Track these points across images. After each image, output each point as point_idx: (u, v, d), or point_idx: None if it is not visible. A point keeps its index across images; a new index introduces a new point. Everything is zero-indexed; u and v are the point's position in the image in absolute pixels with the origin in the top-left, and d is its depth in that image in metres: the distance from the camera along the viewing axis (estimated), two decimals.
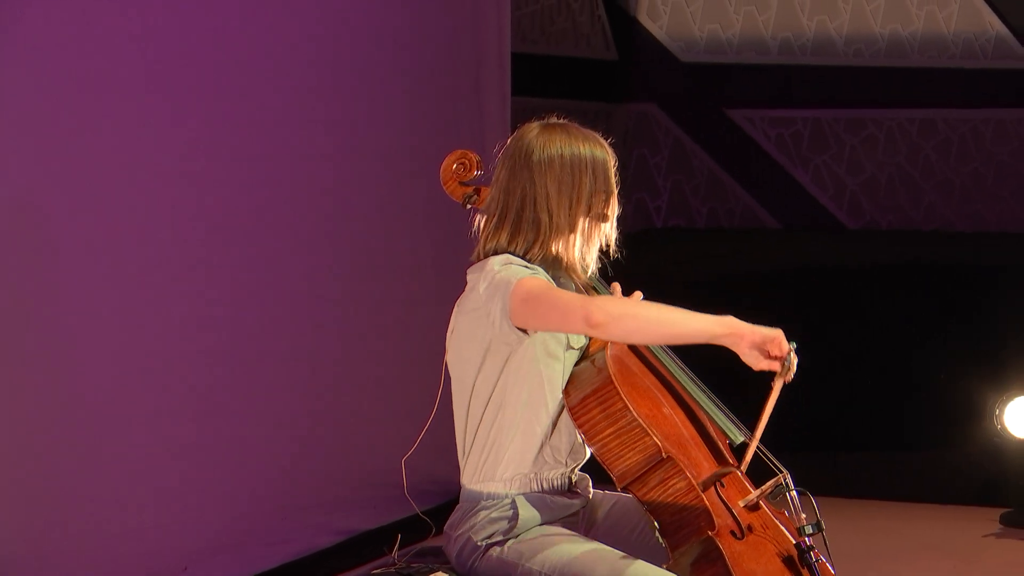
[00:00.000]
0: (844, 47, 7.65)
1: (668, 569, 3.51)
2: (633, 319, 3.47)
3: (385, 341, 5.88)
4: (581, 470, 3.75)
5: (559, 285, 3.64)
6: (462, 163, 3.91)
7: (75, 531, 4.56)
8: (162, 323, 4.89)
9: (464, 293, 3.67)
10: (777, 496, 3.64)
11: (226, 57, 5.13)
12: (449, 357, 3.70)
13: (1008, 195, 7.45)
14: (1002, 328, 6.71)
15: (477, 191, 3.90)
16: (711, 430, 3.76)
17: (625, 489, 3.58)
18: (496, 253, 3.62)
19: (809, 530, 3.58)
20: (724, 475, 3.66)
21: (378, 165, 5.84)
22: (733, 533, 3.54)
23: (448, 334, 3.70)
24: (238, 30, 5.19)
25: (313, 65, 5.53)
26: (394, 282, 5.94)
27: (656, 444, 3.54)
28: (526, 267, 3.58)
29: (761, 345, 3.54)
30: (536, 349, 3.58)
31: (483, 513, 3.63)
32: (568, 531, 3.65)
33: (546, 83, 7.54)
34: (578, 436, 3.63)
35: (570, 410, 3.59)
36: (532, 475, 3.64)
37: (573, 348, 3.63)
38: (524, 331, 3.54)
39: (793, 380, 3.63)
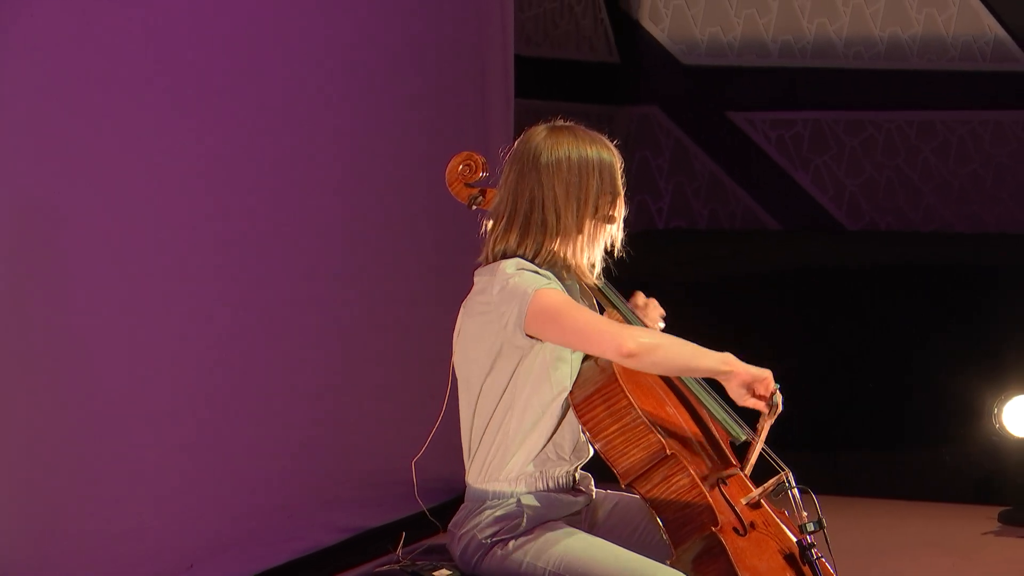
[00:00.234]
0: (844, 50, 7.65)
1: (671, 566, 3.52)
2: (662, 350, 3.53)
3: (390, 341, 5.88)
4: (585, 468, 3.75)
5: (566, 288, 3.64)
6: (468, 165, 3.91)
7: (81, 529, 4.56)
8: (168, 322, 4.89)
9: (471, 295, 3.67)
10: (779, 494, 3.64)
11: (233, 61, 5.13)
12: (456, 358, 3.70)
13: (1006, 196, 7.45)
14: (1000, 328, 6.71)
15: (482, 192, 3.90)
16: (713, 428, 3.77)
17: (629, 486, 3.58)
18: (505, 255, 3.62)
19: (810, 527, 3.58)
20: (727, 474, 3.66)
21: (383, 167, 5.84)
22: (736, 530, 3.55)
23: (455, 335, 3.70)
24: (246, 34, 5.20)
25: (320, 69, 5.53)
26: (400, 283, 5.94)
27: (659, 441, 3.54)
28: (538, 273, 3.57)
29: (749, 384, 3.58)
30: (547, 353, 3.59)
31: (488, 511, 3.63)
32: (572, 528, 3.65)
33: (549, 86, 7.54)
34: (582, 434, 3.63)
35: (575, 408, 3.59)
36: (537, 473, 3.65)
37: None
38: (532, 336, 3.55)
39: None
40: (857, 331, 7.04)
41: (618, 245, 3.72)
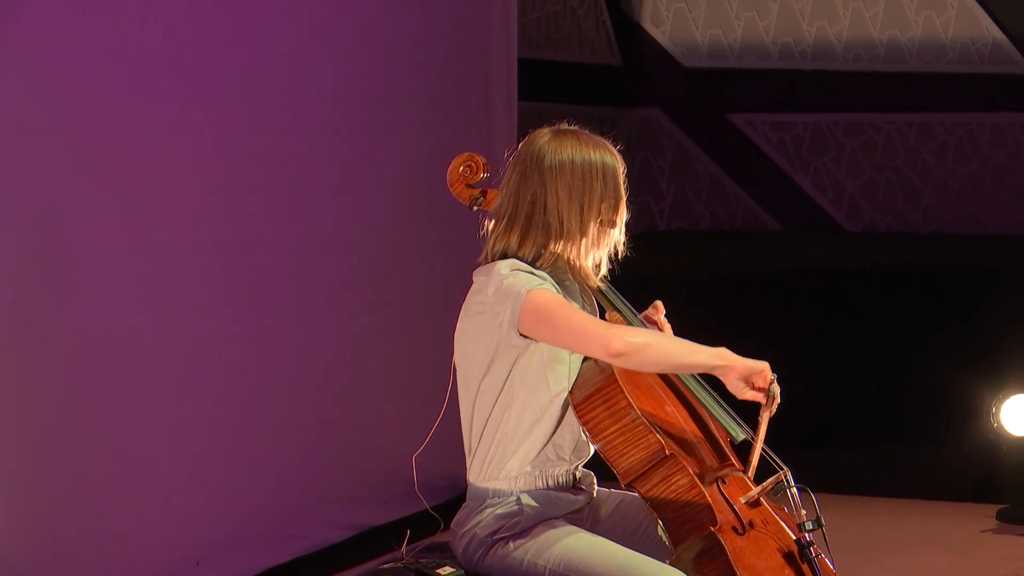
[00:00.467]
0: (844, 52, 7.65)
1: (671, 564, 3.51)
2: (650, 349, 3.52)
3: (394, 340, 5.88)
4: (585, 467, 3.75)
5: (565, 289, 3.63)
6: (468, 166, 3.91)
7: (88, 528, 4.56)
8: (172, 323, 4.89)
9: (470, 294, 3.67)
10: (778, 493, 3.64)
11: (237, 64, 5.13)
12: (456, 357, 3.70)
13: (1005, 198, 7.45)
14: (998, 328, 6.71)
15: (483, 193, 3.90)
16: (713, 428, 3.77)
17: (629, 486, 3.58)
18: (505, 255, 3.62)
19: (809, 526, 3.58)
20: (726, 473, 3.66)
21: (387, 168, 5.84)
22: (735, 529, 3.54)
23: (456, 335, 3.70)
24: (249, 37, 5.20)
25: (323, 71, 5.53)
26: (403, 283, 5.94)
27: (659, 441, 3.54)
28: (532, 274, 3.57)
29: (747, 377, 3.59)
30: (543, 352, 3.58)
31: (489, 510, 3.63)
32: (573, 527, 3.65)
33: (552, 88, 7.54)
34: (582, 434, 3.63)
35: (575, 408, 3.59)
36: (537, 472, 3.64)
37: None
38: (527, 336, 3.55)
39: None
40: (856, 331, 7.04)
41: (620, 248, 3.71)
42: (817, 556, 3.59)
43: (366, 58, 5.74)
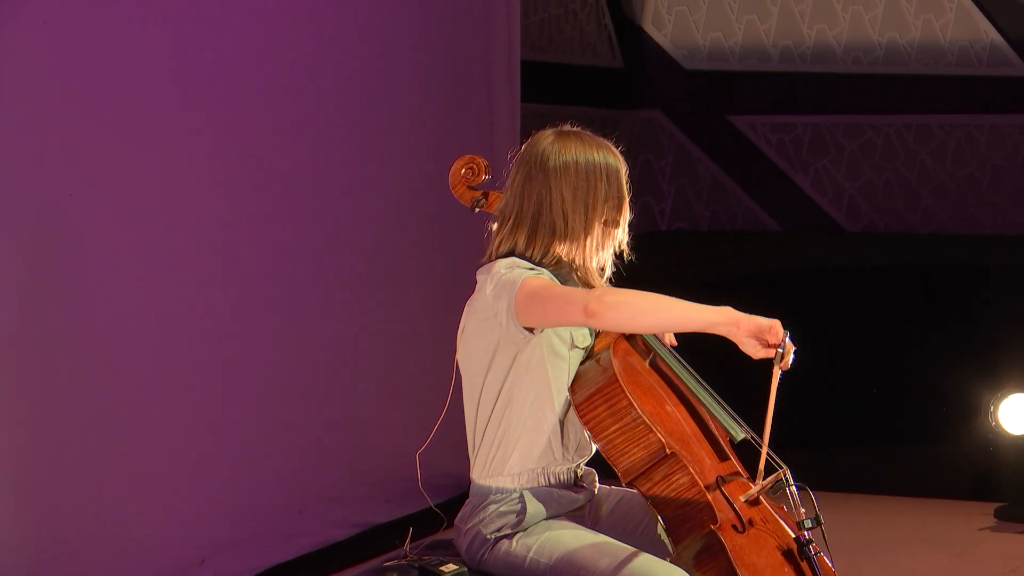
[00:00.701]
0: (843, 55, 7.65)
1: (671, 562, 3.52)
2: (627, 307, 3.43)
3: (397, 340, 5.89)
4: (587, 465, 3.75)
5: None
6: (470, 168, 3.91)
7: (95, 525, 4.56)
8: (178, 324, 4.90)
9: (473, 294, 3.67)
10: (777, 491, 3.64)
11: (242, 66, 5.13)
12: (459, 355, 3.70)
13: (1002, 199, 7.44)
14: (996, 328, 6.71)
15: (485, 195, 3.90)
16: (712, 427, 3.77)
17: (630, 484, 3.58)
18: (511, 255, 3.62)
19: (808, 524, 3.58)
20: (728, 475, 3.66)
21: (392, 170, 5.85)
22: (735, 527, 3.54)
23: (459, 333, 3.70)
24: (255, 40, 5.20)
25: (328, 75, 5.54)
26: (406, 283, 5.94)
27: (660, 440, 3.54)
28: (531, 268, 3.57)
29: (758, 334, 3.53)
30: (543, 349, 3.58)
31: (492, 507, 3.63)
32: (575, 524, 3.65)
33: (554, 90, 7.54)
34: (584, 433, 3.63)
35: (576, 407, 3.59)
36: (539, 470, 3.65)
37: (578, 347, 3.63)
38: (530, 331, 3.54)
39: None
40: (855, 330, 7.04)
41: (624, 249, 3.71)
42: (816, 554, 3.59)
43: (369, 61, 5.74)
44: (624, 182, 3.67)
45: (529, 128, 3.76)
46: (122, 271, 4.67)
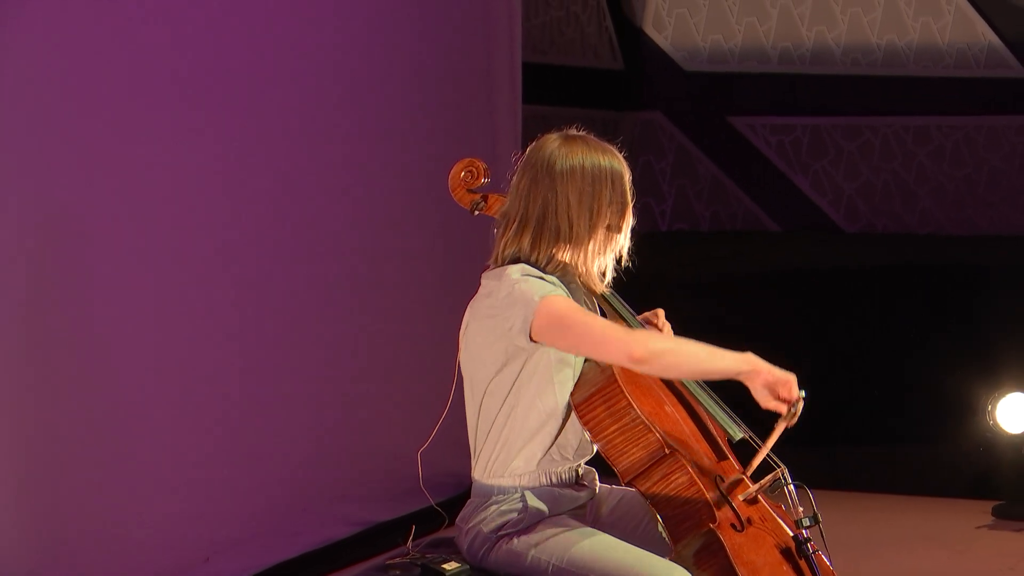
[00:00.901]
0: (842, 57, 7.65)
1: (672, 560, 3.52)
2: (673, 355, 3.50)
3: (399, 339, 5.89)
4: (588, 463, 3.76)
5: (572, 292, 3.63)
6: (470, 171, 3.91)
7: (101, 523, 4.57)
8: (185, 323, 4.90)
9: (478, 296, 3.66)
10: (775, 490, 3.64)
11: (244, 69, 5.14)
12: (462, 356, 3.71)
13: (999, 200, 7.44)
14: (994, 327, 6.71)
15: (485, 198, 3.90)
16: (711, 426, 3.77)
17: (629, 484, 3.59)
18: (517, 259, 3.61)
19: (806, 522, 3.58)
20: (725, 471, 3.67)
21: (393, 171, 5.85)
22: (733, 526, 3.55)
23: (461, 333, 3.70)
24: (258, 43, 5.20)
25: (330, 77, 5.54)
26: (408, 283, 5.94)
27: (659, 440, 3.55)
28: (543, 278, 3.56)
29: (772, 385, 3.53)
30: (550, 356, 3.58)
31: (493, 507, 3.63)
32: (576, 523, 3.65)
33: (555, 92, 7.54)
34: (585, 433, 3.64)
35: (576, 408, 3.59)
36: (541, 471, 3.65)
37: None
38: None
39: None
40: (854, 330, 7.04)
41: (625, 255, 3.71)
42: (814, 552, 3.60)
43: (371, 62, 5.74)
44: (628, 187, 3.67)
45: (530, 130, 3.77)
46: (122, 271, 4.68)
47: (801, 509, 3.60)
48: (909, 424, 6.87)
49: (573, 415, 3.61)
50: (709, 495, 3.53)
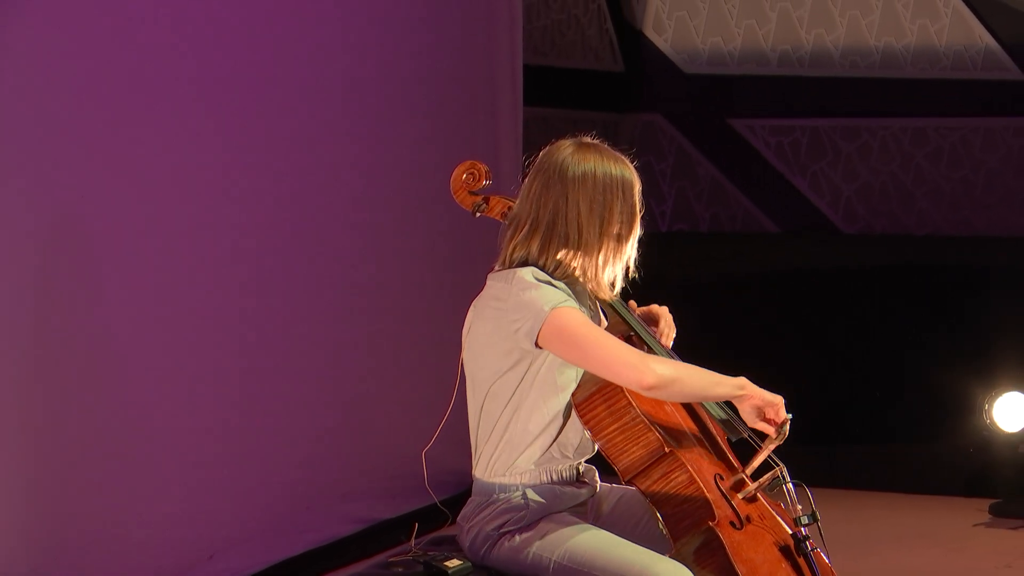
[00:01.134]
0: (840, 59, 7.65)
1: (671, 558, 3.53)
2: (680, 383, 3.55)
3: (402, 340, 5.89)
4: (588, 462, 3.76)
5: (577, 295, 3.63)
6: (471, 173, 3.92)
7: (105, 521, 4.57)
8: (191, 323, 4.90)
9: (483, 296, 3.66)
10: (774, 488, 3.65)
11: (248, 71, 5.14)
12: (465, 356, 3.71)
13: (996, 201, 7.44)
14: (990, 327, 6.72)
15: (486, 200, 3.91)
16: (710, 425, 3.78)
17: (629, 482, 3.59)
18: (526, 263, 3.61)
19: (805, 520, 3.59)
20: (725, 473, 3.67)
21: (395, 173, 5.85)
22: (732, 524, 3.55)
23: (464, 333, 3.70)
24: (261, 44, 5.20)
25: (332, 80, 5.54)
26: (410, 284, 5.94)
27: (658, 439, 3.55)
28: (553, 285, 3.56)
29: (761, 408, 3.59)
30: (552, 359, 3.58)
31: (495, 505, 3.64)
32: (577, 520, 3.66)
33: (556, 94, 7.53)
34: (585, 432, 3.64)
35: (576, 407, 3.60)
36: (542, 469, 3.65)
37: None
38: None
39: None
40: (853, 330, 7.05)
41: (631, 265, 3.71)
42: (813, 550, 3.60)
43: (373, 66, 5.74)
44: (638, 198, 3.67)
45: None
46: (124, 272, 4.67)
47: (800, 507, 3.61)
48: (907, 423, 6.87)
49: (574, 414, 3.62)
50: (708, 493, 3.53)
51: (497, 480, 3.65)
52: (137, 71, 4.65)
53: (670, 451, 3.55)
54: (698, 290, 7.16)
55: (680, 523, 3.53)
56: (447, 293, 5.84)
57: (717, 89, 7.91)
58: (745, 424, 3.69)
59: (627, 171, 3.65)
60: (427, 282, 5.98)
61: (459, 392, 3.76)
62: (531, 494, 3.63)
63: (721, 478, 3.63)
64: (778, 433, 3.61)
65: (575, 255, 3.60)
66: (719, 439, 3.76)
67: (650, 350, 3.70)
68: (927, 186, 7.53)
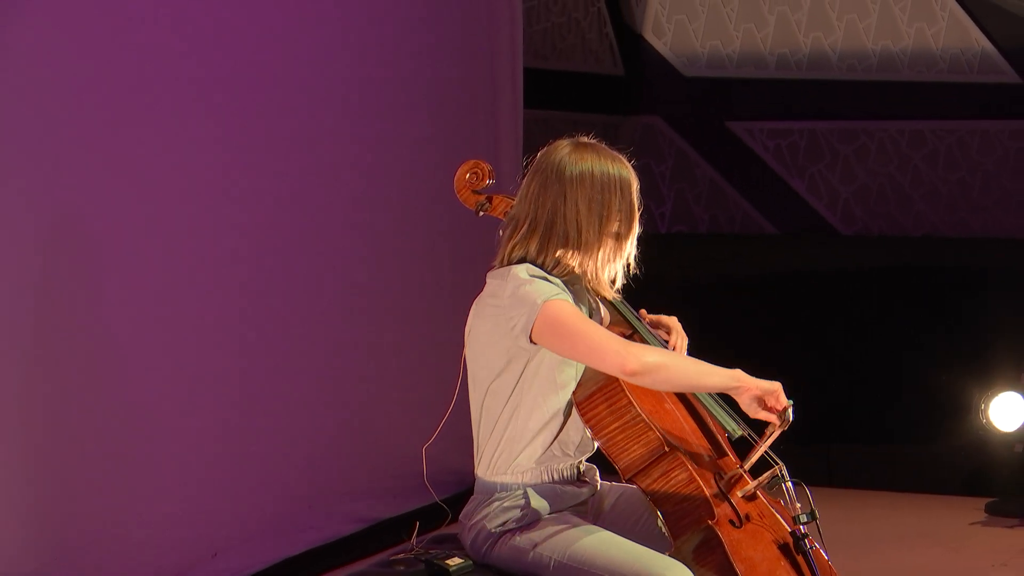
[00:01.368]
0: (838, 62, 7.64)
1: (671, 556, 3.51)
2: (665, 370, 3.51)
3: (404, 340, 5.88)
4: (589, 460, 3.75)
5: (575, 293, 3.62)
6: (475, 172, 3.91)
7: (108, 519, 4.56)
8: (194, 322, 4.89)
9: (482, 295, 3.65)
10: (773, 487, 3.64)
11: (250, 72, 5.13)
12: (466, 354, 3.69)
13: (992, 203, 7.43)
14: (987, 328, 6.71)
15: (489, 199, 3.90)
16: (711, 424, 3.77)
17: (629, 481, 3.58)
18: (523, 261, 3.59)
19: (804, 519, 3.58)
20: (725, 470, 3.66)
21: (397, 174, 5.85)
22: (732, 522, 3.54)
23: (466, 331, 3.69)
24: (263, 45, 5.19)
25: (334, 81, 5.53)
26: (411, 284, 5.94)
27: (659, 438, 3.54)
28: (548, 280, 3.55)
29: (760, 397, 3.56)
30: (552, 356, 3.57)
31: (496, 503, 3.63)
32: (577, 519, 3.65)
33: (557, 97, 7.53)
34: (586, 431, 3.63)
35: (577, 406, 3.59)
36: (543, 468, 3.64)
37: None
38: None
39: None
40: (850, 330, 7.04)
41: (632, 263, 3.69)
42: (812, 548, 3.59)
43: (374, 68, 5.74)
44: (636, 196, 3.66)
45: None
46: (126, 273, 4.67)
47: (799, 506, 3.59)
48: (904, 422, 6.87)
49: (574, 412, 3.61)
50: (708, 492, 3.52)
51: (499, 479, 3.64)
52: (137, 71, 4.64)
53: (670, 450, 3.54)
54: (697, 291, 7.15)
55: (680, 521, 3.52)
56: (447, 293, 5.83)
57: (716, 92, 7.91)
58: (742, 421, 3.67)
59: (624, 170, 3.64)
60: (427, 282, 5.97)
61: (460, 391, 3.75)
62: (532, 493, 3.62)
63: (721, 477, 3.62)
64: (781, 420, 3.57)
65: (574, 254, 3.59)
66: (719, 437, 3.75)
67: None
68: (924, 188, 7.52)
